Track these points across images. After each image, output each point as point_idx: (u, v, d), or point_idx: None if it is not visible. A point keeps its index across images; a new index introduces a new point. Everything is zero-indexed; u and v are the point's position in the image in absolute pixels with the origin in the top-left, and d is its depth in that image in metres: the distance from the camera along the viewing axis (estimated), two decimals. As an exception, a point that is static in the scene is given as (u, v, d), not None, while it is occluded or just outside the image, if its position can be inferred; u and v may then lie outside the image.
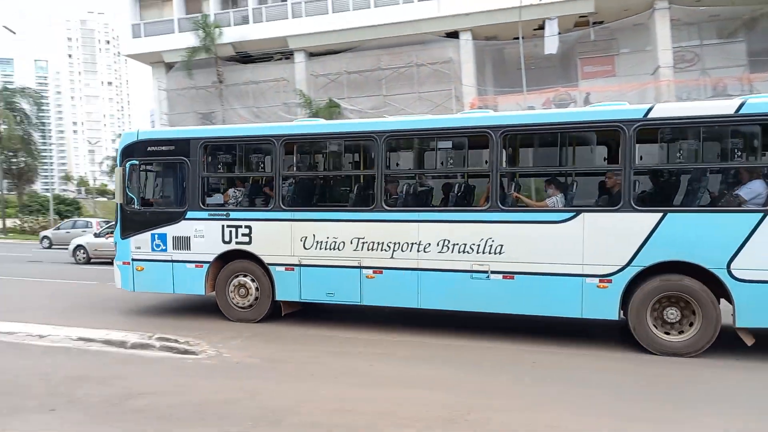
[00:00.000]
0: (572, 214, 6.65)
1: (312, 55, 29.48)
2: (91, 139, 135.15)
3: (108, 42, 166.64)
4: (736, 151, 6.47)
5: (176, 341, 6.79)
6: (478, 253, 6.91)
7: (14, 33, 34.67)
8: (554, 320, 7.01)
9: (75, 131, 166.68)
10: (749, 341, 6.18)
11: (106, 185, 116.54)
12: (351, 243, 7.49)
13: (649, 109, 6.39)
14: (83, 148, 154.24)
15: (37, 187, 67.38)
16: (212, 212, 8.26)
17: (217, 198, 8.75)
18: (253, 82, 31.52)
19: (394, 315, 8.37)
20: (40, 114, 46.87)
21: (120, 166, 8.56)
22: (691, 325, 6.20)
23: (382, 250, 7.37)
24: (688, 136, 6.57)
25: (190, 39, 30.34)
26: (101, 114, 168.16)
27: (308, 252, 7.72)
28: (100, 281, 12.65)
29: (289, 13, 29.06)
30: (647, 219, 6.29)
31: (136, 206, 8.64)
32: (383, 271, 7.39)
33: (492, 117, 7.40)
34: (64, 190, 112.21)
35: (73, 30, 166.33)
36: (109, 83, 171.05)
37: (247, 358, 6.39)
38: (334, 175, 9.41)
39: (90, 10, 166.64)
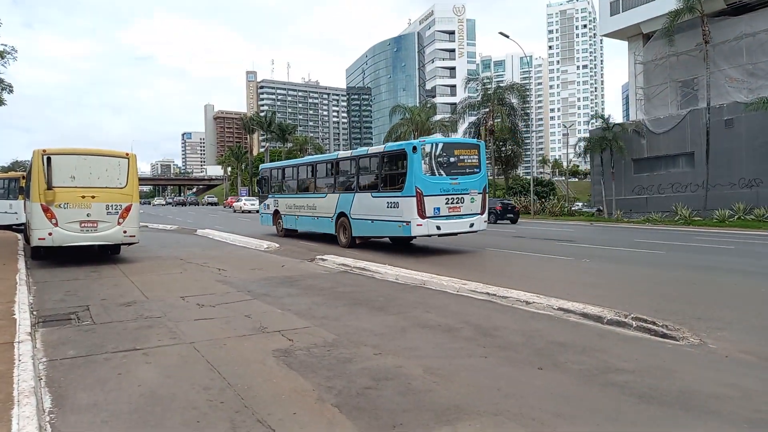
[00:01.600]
0: (325, 194, 17.30)
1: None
2: (566, 123, 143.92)
3: (585, 26, 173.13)
4: (358, 168, 15.88)
5: (654, 323, 6.36)
6: (314, 209, 17.99)
7: (507, 37, 39.91)
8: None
9: (552, 117, 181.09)
10: (357, 242, 15.67)
11: (578, 166, 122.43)
12: (294, 206, 19.49)
13: (336, 155, 19.99)
14: (558, 132, 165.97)
15: (519, 171, 76.51)
16: (272, 195, 21.45)
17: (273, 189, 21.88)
18: (748, 35, 26.79)
19: None
20: (524, 105, 52.53)
21: (257, 178, 24.24)
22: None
23: (300, 208, 18.95)
24: (346, 163, 16.89)
25: (671, 3, 28.02)
26: (575, 98, 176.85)
27: (285, 209, 20.15)
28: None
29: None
30: (337, 196, 16.37)
31: (261, 192, 22.82)
32: (299, 216, 19.00)
33: (333, 154, 18.33)
34: (541, 173, 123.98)
35: (554, 23, 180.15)
36: (584, 66, 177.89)
37: (739, 353, 5.48)
38: (286, 181, 20.97)
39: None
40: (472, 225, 14.17)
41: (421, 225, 13.22)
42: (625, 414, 4.00)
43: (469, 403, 4.16)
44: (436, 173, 13.59)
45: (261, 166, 23.27)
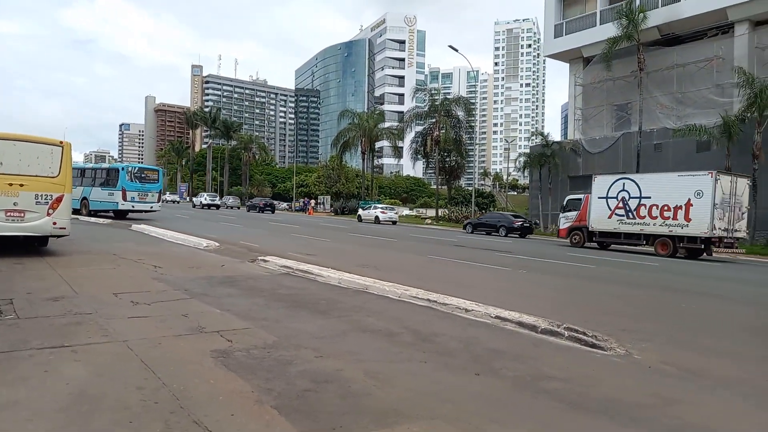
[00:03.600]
0: (76, 186, 21.30)
1: (758, 24, 24.61)
2: (508, 138, 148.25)
3: (529, 46, 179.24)
4: (94, 174, 29.61)
5: (584, 333, 6.65)
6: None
7: (456, 50, 40.86)
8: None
9: (494, 131, 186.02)
10: (92, 213, 28.03)
11: (517, 180, 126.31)
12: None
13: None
14: (500, 146, 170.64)
15: (462, 182, 77.97)
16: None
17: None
18: (679, 65, 28.59)
19: None
20: (469, 118, 53.71)
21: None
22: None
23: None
24: (90, 171, 30.24)
25: (611, 30, 29.55)
26: (518, 115, 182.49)
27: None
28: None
29: (733, -21, 25.08)
30: (83, 188, 28.05)
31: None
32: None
33: (85, 164, 34.83)
34: (482, 185, 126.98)
35: (501, 40, 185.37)
36: (527, 85, 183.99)
37: (661, 364, 5.80)
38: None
39: (517, 17, 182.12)
40: (152, 207, 28.07)
41: (123, 204, 26.63)
42: (555, 420, 4.16)
43: (407, 407, 4.22)
44: (134, 181, 27.06)
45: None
